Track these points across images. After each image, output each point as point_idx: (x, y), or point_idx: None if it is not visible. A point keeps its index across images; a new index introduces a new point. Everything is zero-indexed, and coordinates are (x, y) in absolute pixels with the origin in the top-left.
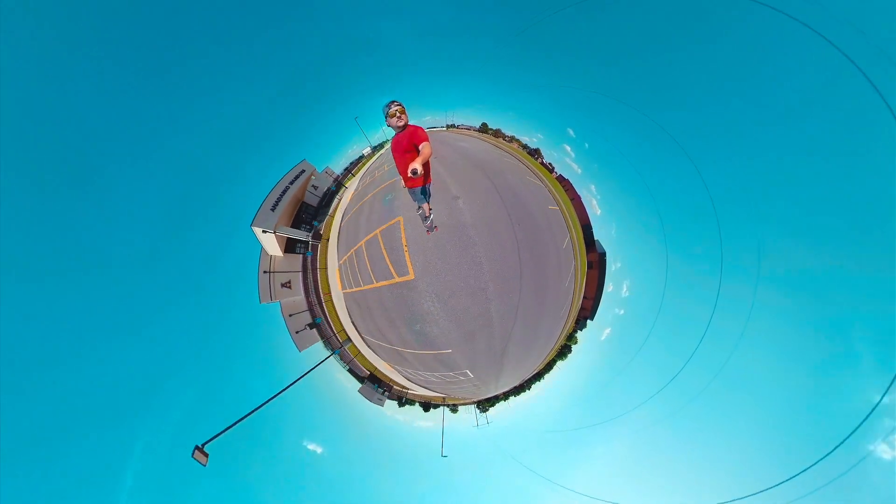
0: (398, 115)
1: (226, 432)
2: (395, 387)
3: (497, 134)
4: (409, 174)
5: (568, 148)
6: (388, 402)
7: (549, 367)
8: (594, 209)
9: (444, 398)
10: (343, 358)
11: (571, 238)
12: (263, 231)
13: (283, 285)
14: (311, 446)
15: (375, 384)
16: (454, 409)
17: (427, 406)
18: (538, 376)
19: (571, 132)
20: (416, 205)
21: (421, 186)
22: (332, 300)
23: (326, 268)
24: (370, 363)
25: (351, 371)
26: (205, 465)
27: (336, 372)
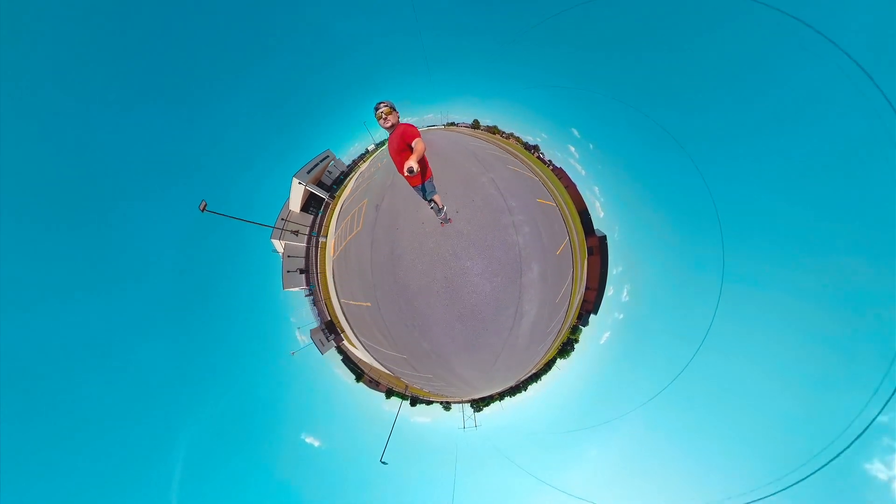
0: (384, 116)
1: (226, 217)
2: (344, 338)
3: (494, 131)
4: (406, 172)
5: (572, 149)
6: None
7: (549, 365)
8: (597, 212)
9: (406, 386)
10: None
11: (571, 239)
12: (299, 182)
13: (292, 232)
14: (308, 439)
15: (328, 330)
16: (447, 406)
17: (414, 401)
18: (535, 377)
19: (576, 132)
20: (425, 200)
21: (422, 184)
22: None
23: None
24: (336, 316)
25: (345, 362)
26: (199, 209)
27: (335, 367)
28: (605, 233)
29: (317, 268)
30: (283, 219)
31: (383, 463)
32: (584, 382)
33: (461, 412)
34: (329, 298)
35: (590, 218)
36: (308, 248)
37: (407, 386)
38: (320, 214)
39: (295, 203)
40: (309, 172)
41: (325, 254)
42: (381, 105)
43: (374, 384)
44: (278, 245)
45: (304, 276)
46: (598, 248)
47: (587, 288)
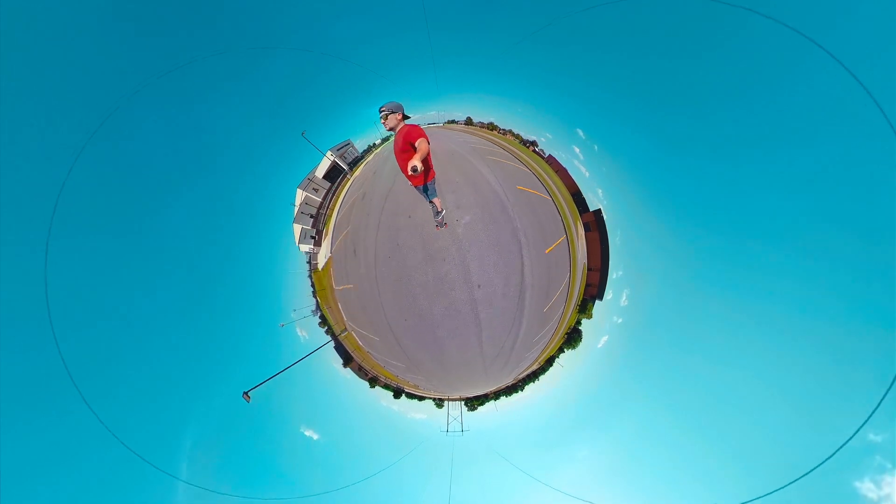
0: (384, 119)
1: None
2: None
3: (492, 127)
4: (409, 172)
5: (577, 150)
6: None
7: (549, 362)
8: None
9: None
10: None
11: (561, 211)
12: (330, 155)
13: (313, 189)
14: (307, 432)
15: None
16: (440, 403)
17: (398, 392)
18: (534, 376)
19: (581, 133)
20: (427, 200)
21: (424, 184)
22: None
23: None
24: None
25: (338, 349)
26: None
27: (333, 361)
28: (608, 252)
29: (325, 211)
30: (308, 179)
31: (245, 397)
32: (579, 392)
33: (459, 411)
34: (328, 231)
35: (583, 199)
36: (322, 203)
37: (345, 329)
38: (336, 182)
39: (321, 170)
40: (338, 150)
41: (333, 208)
42: (383, 108)
43: (363, 373)
44: (300, 194)
45: (312, 219)
46: (595, 224)
47: (589, 269)
